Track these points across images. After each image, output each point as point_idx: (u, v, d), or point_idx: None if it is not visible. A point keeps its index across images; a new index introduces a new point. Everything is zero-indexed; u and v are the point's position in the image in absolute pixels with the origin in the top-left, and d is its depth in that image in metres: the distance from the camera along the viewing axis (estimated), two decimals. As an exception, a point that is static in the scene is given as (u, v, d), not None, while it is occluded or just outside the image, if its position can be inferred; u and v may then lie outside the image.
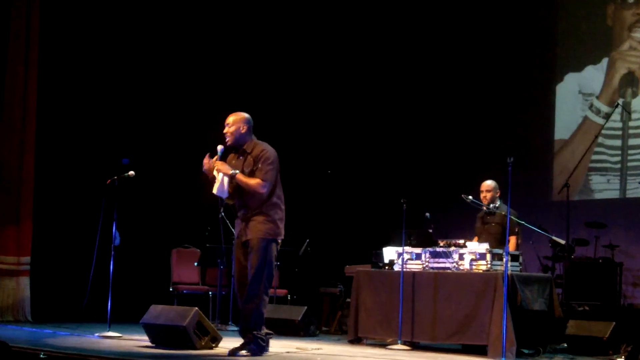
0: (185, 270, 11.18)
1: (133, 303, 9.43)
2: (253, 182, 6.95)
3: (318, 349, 7.95)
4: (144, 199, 11.37)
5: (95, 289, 9.14)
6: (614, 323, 8.19)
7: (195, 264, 10.92)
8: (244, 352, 6.95)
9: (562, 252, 9.98)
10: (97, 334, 8.45)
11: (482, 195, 9.10)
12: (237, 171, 6.98)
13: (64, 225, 10.89)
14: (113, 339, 8.28)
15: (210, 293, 10.93)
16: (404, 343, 8.27)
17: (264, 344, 7.02)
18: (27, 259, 10.30)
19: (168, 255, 11.22)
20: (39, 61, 10.47)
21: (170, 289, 10.93)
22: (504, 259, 7.52)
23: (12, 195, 10.29)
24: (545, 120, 12.01)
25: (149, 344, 7.71)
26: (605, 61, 11.61)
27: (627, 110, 11.20)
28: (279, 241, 7.12)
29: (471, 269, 8.12)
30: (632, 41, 11.39)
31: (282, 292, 11.09)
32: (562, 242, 9.59)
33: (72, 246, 10.68)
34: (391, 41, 12.94)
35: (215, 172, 7.05)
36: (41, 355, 6.60)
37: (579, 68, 11.85)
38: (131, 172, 8.88)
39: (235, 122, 7.14)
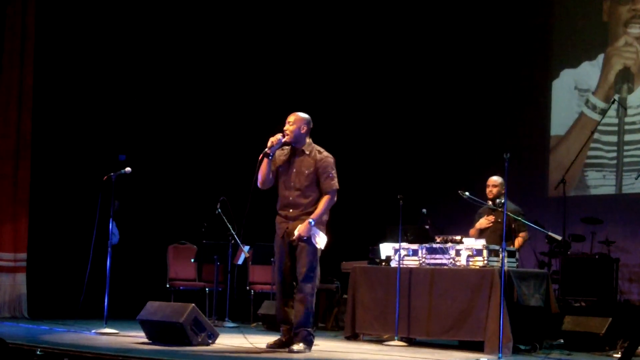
0: (182, 267, 11.18)
1: (130, 299, 9.43)
2: (326, 202, 7.26)
3: (315, 345, 7.94)
4: (141, 195, 11.36)
5: (91, 285, 9.14)
6: (611, 319, 8.20)
7: (192, 260, 10.92)
8: (300, 346, 7.15)
9: (558, 248, 9.98)
10: (93, 331, 8.45)
11: (487, 189, 9.09)
12: (312, 220, 7.16)
13: (60, 221, 10.88)
14: (110, 335, 8.28)
15: (206, 289, 10.94)
16: (401, 339, 8.28)
17: (313, 339, 7.32)
18: (23, 255, 10.31)
19: (164, 251, 11.22)
20: (35, 57, 10.46)
21: (167, 286, 10.93)
22: (501, 255, 7.53)
23: (9, 192, 10.28)
24: (541, 117, 12.01)
25: (146, 340, 7.70)
26: (601, 57, 11.61)
27: (623, 106, 11.20)
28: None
29: (468, 265, 8.13)
30: (627, 37, 11.39)
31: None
32: (559, 237, 9.60)
33: (68, 243, 10.68)
34: (388, 37, 12.93)
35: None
36: (38, 352, 6.60)
37: (574, 64, 11.85)
38: (128, 169, 8.87)
39: (296, 121, 7.33)
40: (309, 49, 12.77)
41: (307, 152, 7.32)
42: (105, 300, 8.66)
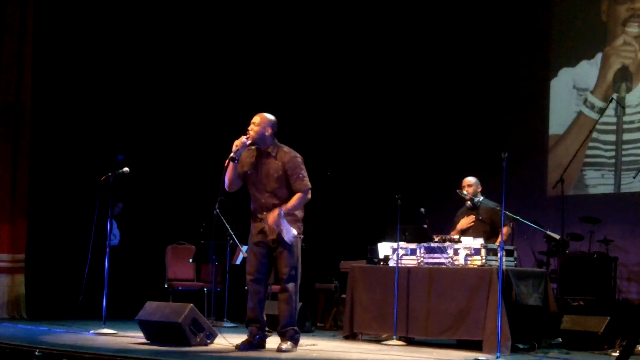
0: (180, 267, 11.18)
1: (128, 300, 9.43)
2: (299, 198, 7.15)
3: (314, 344, 7.96)
4: (139, 195, 11.36)
5: (90, 286, 9.14)
6: (609, 318, 8.21)
7: (190, 260, 10.92)
8: (288, 344, 7.20)
9: (556, 247, 9.99)
10: (92, 331, 8.44)
11: (463, 190, 9.14)
12: (282, 210, 7.08)
13: (58, 222, 10.89)
14: (108, 335, 8.28)
15: (205, 289, 10.93)
16: (399, 338, 8.29)
17: (299, 337, 7.36)
18: (22, 256, 10.31)
19: (163, 252, 11.22)
20: (33, 56, 10.46)
21: (166, 286, 10.93)
22: (499, 254, 7.53)
23: (7, 193, 10.27)
24: (540, 116, 12.01)
25: (145, 340, 7.70)
26: (599, 56, 11.61)
27: (621, 105, 11.20)
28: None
29: (466, 264, 8.13)
30: (626, 36, 11.39)
31: (277, 288, 11.06)
32: (557, 237, 9.61)
33: (67, 243, 10.68)
34: (386, 38, 12.93)
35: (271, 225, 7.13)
36: (36, 353, 6.59)
37: (573, 63, 11.85)
38: (126, 169, 8.86)
39: (261, 122, 7.25)
40: (310, 50, 12.77)
41: (273, 154, 7.24)
42: (104, 301, 8.67)
